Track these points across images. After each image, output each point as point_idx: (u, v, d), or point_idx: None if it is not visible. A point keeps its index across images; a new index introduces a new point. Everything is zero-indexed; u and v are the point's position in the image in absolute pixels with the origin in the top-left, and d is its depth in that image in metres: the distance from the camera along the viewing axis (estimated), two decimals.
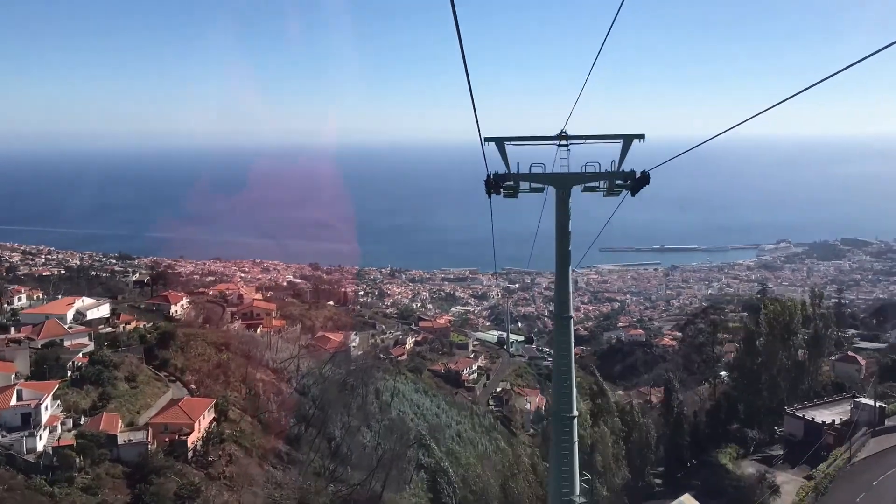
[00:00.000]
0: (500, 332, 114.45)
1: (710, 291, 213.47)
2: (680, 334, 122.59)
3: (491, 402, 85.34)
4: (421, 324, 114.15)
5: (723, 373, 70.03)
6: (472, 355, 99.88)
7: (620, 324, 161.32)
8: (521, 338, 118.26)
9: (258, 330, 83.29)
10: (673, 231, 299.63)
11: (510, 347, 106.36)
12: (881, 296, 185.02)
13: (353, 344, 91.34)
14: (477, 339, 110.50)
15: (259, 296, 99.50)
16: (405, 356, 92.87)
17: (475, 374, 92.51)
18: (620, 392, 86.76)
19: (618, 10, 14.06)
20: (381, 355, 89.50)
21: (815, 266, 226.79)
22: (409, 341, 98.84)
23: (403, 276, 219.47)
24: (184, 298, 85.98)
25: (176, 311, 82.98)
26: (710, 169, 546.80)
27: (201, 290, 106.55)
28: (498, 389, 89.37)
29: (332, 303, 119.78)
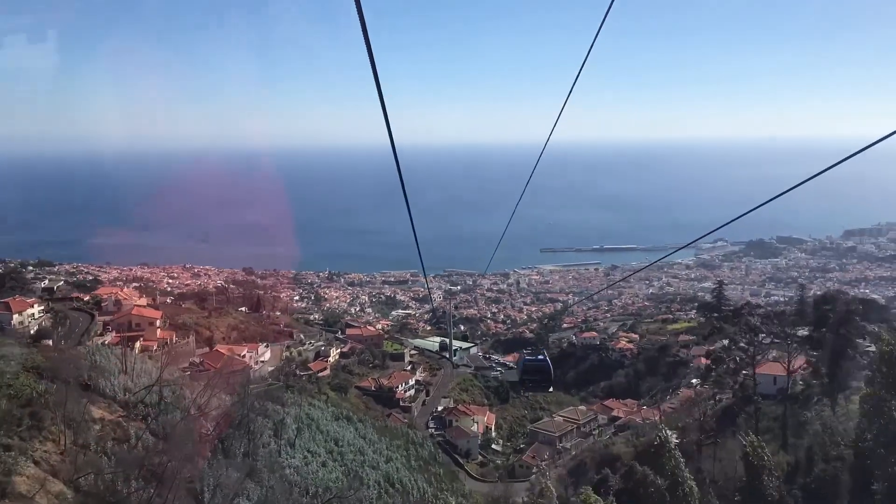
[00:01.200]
0: (442, 338, 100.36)
1: (650, 291, 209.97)
2: (636, 336, 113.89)
3: (431, 424, 71.38)
4: (348, 331, 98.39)
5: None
6: (409, 367, 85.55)
7: (565, 325, 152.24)
8: (467, 344, 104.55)
9: (137, 344, 66.05)
10: (610, 231, 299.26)
11: (454, 356, 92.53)
12: (818, 292, 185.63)
13: (263, 359, 75.10)
14: (415, 348, 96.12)
15: (144, 301, 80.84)
16: (328, 371, 77.37)
17: (412, 391, 78.26)
18: (582, 407, 74.56)
19: None
20: (298, 371, 73.70)
21: (753, 264, 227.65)
22: (334, 353, 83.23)
23: (342, 280, 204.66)
24: (34, 306, 66.76)
25: (21, 323, 64.10)
26: (643, 171, 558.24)
27: (74, 294, 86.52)
28: (440, 408, 75.46)
29: (244, 308, 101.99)
